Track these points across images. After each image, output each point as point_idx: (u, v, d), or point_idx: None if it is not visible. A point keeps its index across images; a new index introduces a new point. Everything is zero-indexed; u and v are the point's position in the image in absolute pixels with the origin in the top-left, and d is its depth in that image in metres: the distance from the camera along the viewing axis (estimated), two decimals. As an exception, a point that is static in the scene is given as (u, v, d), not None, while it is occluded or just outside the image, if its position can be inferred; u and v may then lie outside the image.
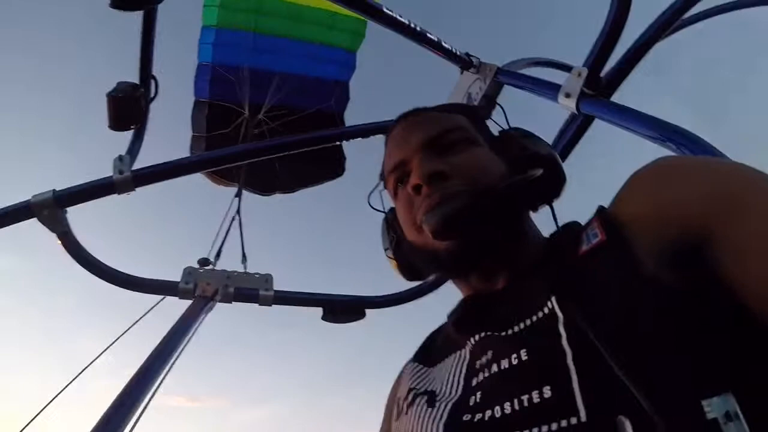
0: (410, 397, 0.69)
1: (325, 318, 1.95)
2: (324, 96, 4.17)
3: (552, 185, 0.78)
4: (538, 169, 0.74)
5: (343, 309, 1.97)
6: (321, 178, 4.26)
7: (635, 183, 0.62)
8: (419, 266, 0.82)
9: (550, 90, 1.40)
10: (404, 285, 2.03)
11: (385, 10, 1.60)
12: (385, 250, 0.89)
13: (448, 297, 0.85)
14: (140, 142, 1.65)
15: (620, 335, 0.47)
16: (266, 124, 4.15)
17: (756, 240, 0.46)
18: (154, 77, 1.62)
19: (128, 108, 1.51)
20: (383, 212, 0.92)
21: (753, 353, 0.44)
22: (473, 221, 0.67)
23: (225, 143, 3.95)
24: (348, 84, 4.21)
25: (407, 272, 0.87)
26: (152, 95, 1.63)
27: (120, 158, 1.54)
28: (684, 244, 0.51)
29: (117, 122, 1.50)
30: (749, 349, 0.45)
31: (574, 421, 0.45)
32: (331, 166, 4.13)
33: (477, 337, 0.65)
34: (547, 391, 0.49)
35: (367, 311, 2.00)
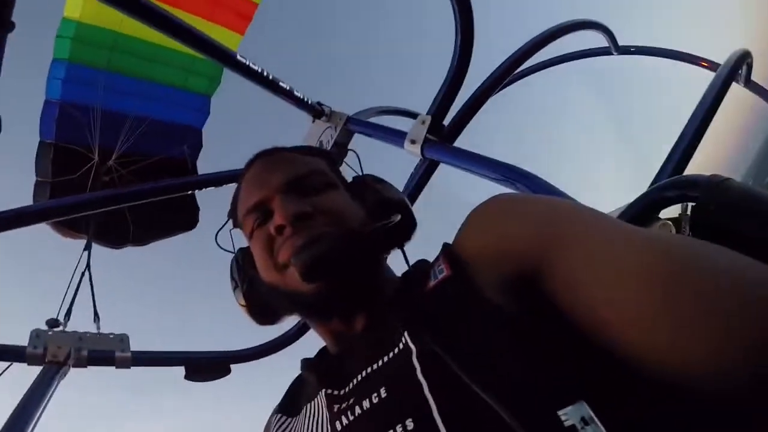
0: None
1: (188, 377, 1.90)
2: (177, 142, 4.03)
3: (404, 230, 0.84)
4: (397, 215, 0.79)
5: (206, 367, 1.94)
6: (174, 230, 4.05)
7: (473, 220, 0.66)
8: (276, 307, 0.81)
9: (398, 137, 1.56)
10: (269, 335, 2.05)
11: (239, 57, 1.68)
12: (234, 290, 0.86)
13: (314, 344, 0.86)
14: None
15: (474, 358, 0.49)
16: (117, 171, 3.89)
17: (578, 272, 0.50)
18: (-5, 114, 1.50)
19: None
20: (232, 252, 0.90)
21: (599, 364, 0.47)
22: (341, 264, 0.69)
23: (72, 191, 3.61)
24: (201, 131, 4.12)
25: (259, 314, 0.85)
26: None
27: (-49, 209, 1.38)
28: (518, 276, 0.55)
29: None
30: (595, 360, 0.48)
31: None
32: (185, 217, 3.95)
33: (339, 382, 0.66)
34: (409, 424, 0.50)
35: (233, 366, 1.98)
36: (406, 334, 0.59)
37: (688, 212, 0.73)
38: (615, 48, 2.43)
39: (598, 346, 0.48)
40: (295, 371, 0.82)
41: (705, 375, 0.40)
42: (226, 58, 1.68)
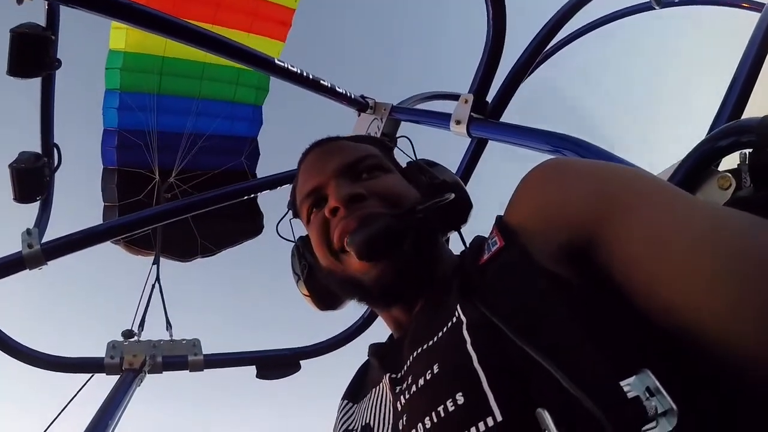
0: None
1: (259, 375, 1.98)
2: (234, 153, 4.23)
3: (459, 211, 0.85)
4: (451, 193, 0.79)
5: (277, 364, 2.01)
6: (240, 237, 4.25)
7: (523, 188, 0.64)
8: (337, 293, 0.83)
9: (443, 120, 1.57)
10: (337, 329, 2.11)
11: (277, 62, 1.74)
12: (297, 280, 0.89)
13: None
14: (48, 213, 1.65)
15: (530, 326, 0.48)
16: (178, 187, 4.13)
17: (635, 246, 0.48)
18: (56, 145, 1.65)
19: (32, 179, 1.52)
20: (293, 241, 0.93)
21: (660, 333, 0.46)
22: (397, 242, 0.69)
23: (138, 209, 3.89)
24: (257, 139, 4.30)
25: (321, 301, 0.88)
26: (56, 164, 1.65)
27: (28, 232, 1.54)
28: (572, 245, 0.53)
29: (22, 194, 1.51)
30: (655, 329, 0.46)
31: (490, 422, 0.46)
32: (249, 224, 4.14)
33: (398, 362, 0.67)
34: (460, 398, 0.50)
35: (303, 362, 2.05)
36: (458, 306, 0.59)
37: (747, 161, 0.69)
38: (657, 2, 2.30)
39: (657, 323, 0.46)
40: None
41: None
42: (265, 64, 1.75)
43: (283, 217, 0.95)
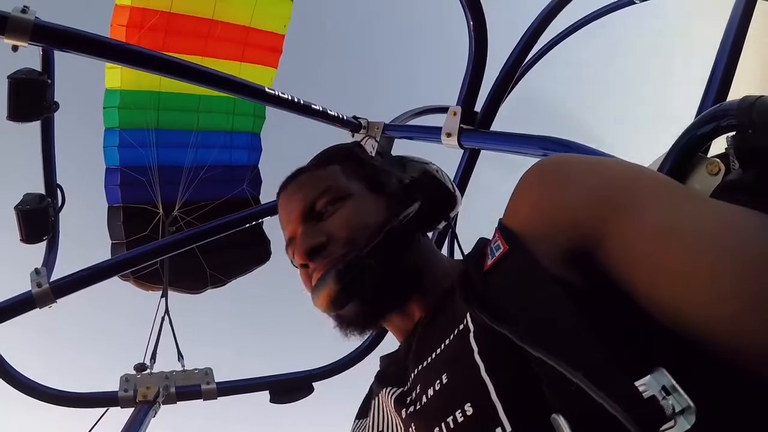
0: None
1: (273, 400, 1.97)
2: (236, 182, 4.27)
3: (437, 205, 0.84)
4: (414, 203, 0.79)
5: (289, 388, 2.01)
6: (249, 266, 4.28)
7: (522, 189, 0.62)
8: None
9: (434, 134, 1.59)
10: (348, 348, 2.10)
11: (267, 90, 1.77)
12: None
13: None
14: (55, 252, 1.67)
15: (538, 331, 0.47)
16: (182, 220, 4.16)
17: (638, 246, 0.47)
18: (59, 185, 1.68)
19: (38, 219, 1.54)
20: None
21: (670, 332, 0.45)
22: (354, 286, 0.70)
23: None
24: (257, 167, 4.34)
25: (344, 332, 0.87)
26: (60, 204, 1.67)
27: (36, 271, 1.56)
28: (575, 247, 0.53)
29: (29, 235, 1.53)
30: (665, 329, 0.45)
31: None
32: (257, 252, 4.17)
33: (405, 372, 0.68)
34: (468, 409, 0.49)
35: (316, 384, 2.04)
36: (468, 314, 0.58)
37: (733, 145, 0.67)
38: None
39: (663, 323, 0.45)
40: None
41: None
42: (256, 93, 1.78)
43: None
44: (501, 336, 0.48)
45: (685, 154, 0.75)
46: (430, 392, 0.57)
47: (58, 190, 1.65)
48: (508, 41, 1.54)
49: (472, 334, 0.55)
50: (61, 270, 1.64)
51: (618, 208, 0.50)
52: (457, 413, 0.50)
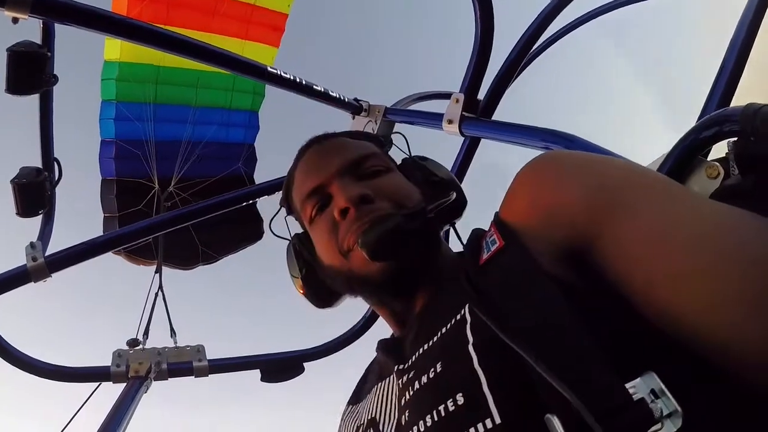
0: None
1: (264, 379, 2.00)
2: (232, 160, 4.26)
3: (456, 208, 0.85)
4: (452, 192, 0.80)
5: (280, 367, 2.03)
6: (241, 243, 4.28)
7: (518, 184, 0.63)
8: (337, 290, 0.84)
9: (435, 120, 1.59)
10: (339, 330, 2.13)
11: (270, 69, 1.76)
12: (294, 277, 0.89)
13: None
14: (50, 227, 1.67)
15: (531, 330, 0.47)
16: (178, 196, 4.15)
17: (634, 245, 0.48)
18: (56, 159, 1.67)
19: (34, 193, 1.54)
20: (287, 239, 0.91)
21: (662, 334, 0.45)
22: (407, 244, 0.70)
23: (138, 219, 3.91)
24: (254, 145, 4.33)
25: (320, 299, 0.88)
26: (57, 178, 1.67)
27: (32, 245, 1.56)
28: (571, 244, 0.53)
29: (25, 209, 1.52)
30: (658, 330, 0.46)
31: (489, 424, 0.47)
32: (250, 230, 4.15)
33: (401, 358, 0.68)
34: (459, 398, 0.50)
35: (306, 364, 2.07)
36: (466, 307, 0.59)
37: (733, 150, 0.69)
38: None
39: (658, 324, 0.46)
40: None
41: None
42: (258, 72, 1.76)
43: (276, 214, 0.94)
44: (494, 331, 0.49)
45: (686, 156, 0.77)
46: (424, 379, 0.58)
47: (56, 163, 1.64)
48: (515, 29, 1.54)
49: (468, 325, 0.56)
50: (57, 244, 1.65)
51: (614, 206, 0.50)
52: (448, 402, 0.51)
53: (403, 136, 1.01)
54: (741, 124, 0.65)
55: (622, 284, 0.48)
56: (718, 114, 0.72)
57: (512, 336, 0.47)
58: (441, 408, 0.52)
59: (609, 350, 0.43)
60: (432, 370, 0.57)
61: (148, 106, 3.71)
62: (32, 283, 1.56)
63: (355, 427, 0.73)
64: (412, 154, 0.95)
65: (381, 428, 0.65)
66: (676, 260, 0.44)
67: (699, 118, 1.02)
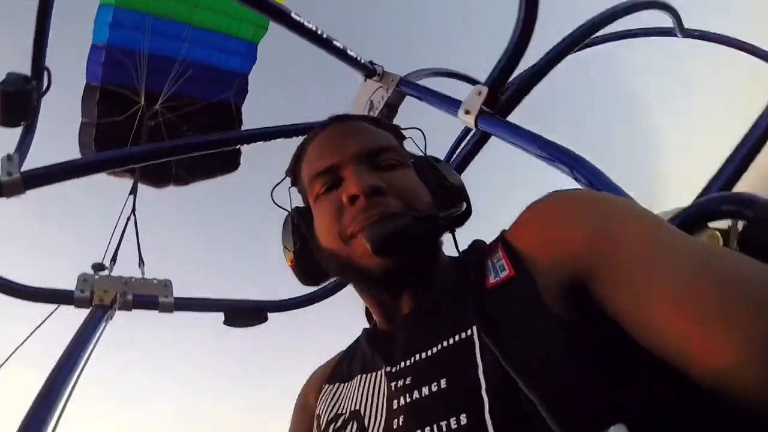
0: (339, 423, 0.71)
1: (227, 322, 2.02)
2: (223, 87, 4.12)
3: (462, 217, 0.85)
4: (463, 203, 0.81)
5: (245, 313, 2.05)
6: (216, 172, 4.21)
7: (531, 217, 0.68)
8: (329, 271, 0.83)
9: (451, 105, 1.56)
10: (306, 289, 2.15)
11: (293, 15, 1.68)
12: (287, 249, 0.87)
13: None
14: (30, 140, 1.59)
15: (529, 363, 0.51)
16: (162, 115, 4.01)
17: (626, 281, 0.51)
18: (47, 69, 1.58)
19: (19, 102, 1.46)
20: (286, 210, 0.90)
21: (645, 385, 0.50)
22: (412, 243, 0.70)
23: (117, 132, 3.78)
24: (247, 77, 4.19)
25: (307, 275, 0.87)
26: (44, 88, 1.59)
27: (8, 157, 1.48)
28: (573, 281, 0.56)
29: (6, 118, 1.45)
30: (641, 380, 0.50)
31: None
32: (226, 160, 4.09)
33: (393, 358, 0.69)
34: (463, 419, 0.53)
35: (270, 315, 2.09)
36: (474, 328, 0.60)
37: (739, 227, 0.75)
38: (680, 30, 2.31)
39: (645, 359, 0.49)
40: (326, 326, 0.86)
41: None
42: (280, 15, 1.68)
43: (280, 182, 0.93)
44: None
45: (695, 219, 0.80)
46: (426, 390, 0.60)
47: (45, 73, 1.56)
48: (553, 33, 1.50)
49: (477, 349, 0.58)
50: (34, 160, 1.58)
51: (611, 244, 0.54)
52: (451, 420, 0.54)
53: (422, 133, 0.98)
54: (759, 213, 0.69)
55: (613, 317, 0.52)
56: (743, 195, 0.74)
57: (515, 367, 0.51)
58: (443, 424, 0.54)
59: (595, 393, 0.48)
60: (435, 384, 0.59)
61: (147, 16, 3.52)
62: (4, 198, 1.48)
63: (334, 413, 0.74)
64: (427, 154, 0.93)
65: (366, 424, 0.66)
66: (671, 296, 0.47)
67: (705, 189, 1.04)
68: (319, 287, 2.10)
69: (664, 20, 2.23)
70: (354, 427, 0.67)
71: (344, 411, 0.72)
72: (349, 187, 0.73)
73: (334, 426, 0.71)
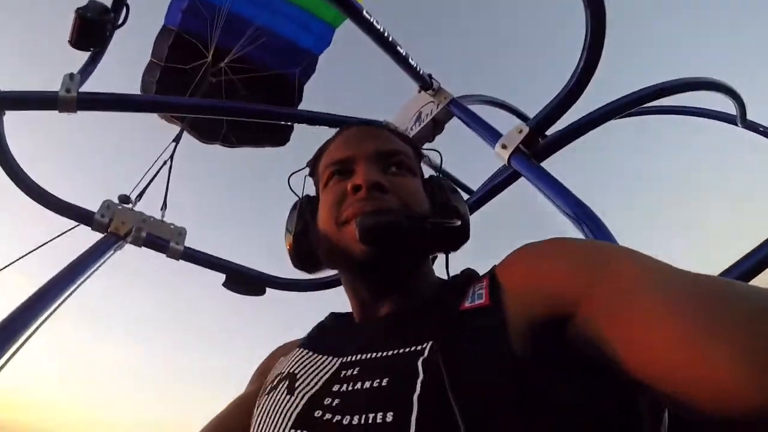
0: (276, 381, 0.75)
1: (226, 285, 2.08)
2: (293, 62, 4.18)
3: (455, 239, 0.88)
4: (457, 220, 0.85)
5: (245, 281, 2.11)
6: (264, 142, 4.26)
7: (522, 253, 0.70)
8: (321, 258, 0.87)
9: (491, 136, 1.59)
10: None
11: (365, 13, 1.73)
12: (288, 231, 0.93)
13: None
14: (94, 66, 1.69)
15: (473, 395, 0.52)
16: (226, 74, 4.12)
17: (613, 313, 0.52)
18: (127, 4, 1.67)
19: (94, 29, 1.55)
20: (298, 196, 0.96)
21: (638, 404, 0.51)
22: (397, 239, 0.75)
23: (179, 80, 3.91)
24: (317, 57, 4.24)
25: (300, 260, 0.92)
26: (120, 22, 1.67)
27: (70, 76, 1.58)
28: (551, 315, 0.58)
29: (79, 41, 1.54)
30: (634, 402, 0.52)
31: None
32: (277, 133, 4.14)
33: (352, 349, 0.72)
34: (389, 416, 0.55)
35: (267, 290, 2.14)
36: (430, 343, 0.62)
37: None
38: (742, 120, 2.24)
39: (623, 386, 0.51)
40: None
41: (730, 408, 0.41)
42: (353, 11, 1.73)
43: (300, 170, 0.99)
44: (443, 377, 0.55)
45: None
46: (367, 384, 0.62)
47: (125, 8, 1.64)
48: (608, 90, 1.50)
49: (422, 360, 0.60)
50: (92, 85, 1.66)
51: (593, 277, 0.56)
52: (379, 414, 0.56)
53: (440, 154, 1.05)
54: None
55: (605, 348, 0.52)
56: None
57: (455, 391, 0.52)
58: (371, 416, 0.57)
59: (528, 425, 0.50)
60: (377, 380, 0.62)
61: (237, -25, 3.63)
62: (56, 111, 1.58)
63: (277, 373, 0.78)
64: (442, 177, 0.98)
65: (296, 385, 0.70)
66: (654, 326, 0.47)
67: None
68: (318, 278, 2.16)
69: (727, 104, 2.18)
70: (284, 386, 0.71)
71: (284, 371, 0.76)
72: (356, 178, 0.81)
73: (272, 384, 0.75)
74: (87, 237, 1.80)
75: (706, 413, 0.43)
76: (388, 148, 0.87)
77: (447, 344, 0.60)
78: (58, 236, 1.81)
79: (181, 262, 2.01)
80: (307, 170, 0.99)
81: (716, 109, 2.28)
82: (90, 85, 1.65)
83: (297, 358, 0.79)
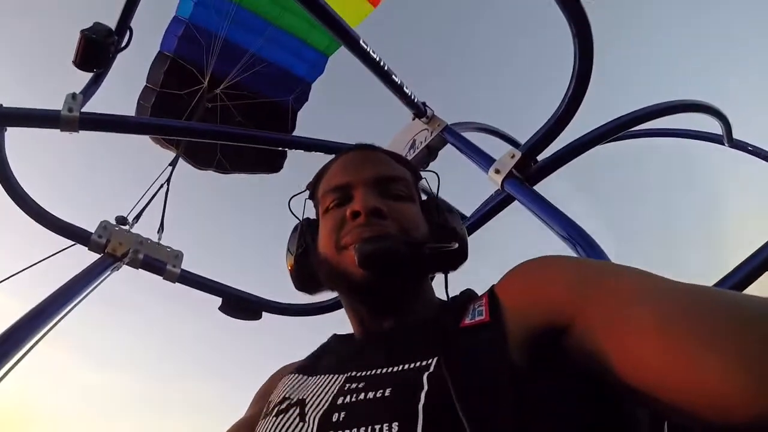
0: (284, 405, 0.74)
1: (222, 309, 2.07)
2: (287, 89, 4.28)
3: (454, 260, 0.92)
4: (455, 243, 0.87)
5: (241, 306, 2.10)
6: (257, 169, 4.33)
7: (520, 271, 0.72)
8: (321, 280, 0.89)
9: (484, 161, 1.63)
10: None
11: (361, 42, 1.78)
12: (289, 253, 0.95)
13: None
14: (97, 87, 1.73)
15: (476, 405, 0.54)
16: (221, 100, 4.18)
17: (597, 320, 0.55)
18: (130, 28, 1.71)
19: (98, 51, 1.59)
20: (298, 219, 0.98)
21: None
22: (395, 265, 0.77)
23: (174, 104, 3.97)
24: (311, 85, 4.34)
25: (301, 282, 0.94)
26: (124, 45, 1.71)
27: (73, 96, 1.61)
28: (548, 326, 0.60)
29: (83, 61, 1.57)
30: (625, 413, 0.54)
31: None
32: (270, 160, 4.21)
33: (356, 366, 0.73)
34: (395, 427, 0.56)
35: (264, 315, 2.13)
36: (435, 359, 0.63)
37: None
38: (728, 140, 2.30)
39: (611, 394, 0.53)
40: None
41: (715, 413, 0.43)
42: (349, 40, 1.78)
43: (299, 193, 1.01)
44: (449, 391, 0.56)
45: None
46: (371, 395, 0.63)
47: (128, 31, 1.68)
48: (597, 114, 1.55)
49: (427, 374, 0.61)
50: (94, 105, 1.69)
51: (587, 290, 0.58)
52: (385, 425, 0.57)
53: (437, 176, 1.06)
54: None
55: (601, 358, 0.53)
56: None
57: (461, 400, 0.54)
58: (377, 427, 0.57)
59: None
60: (381, 391, 0.63)
61: (231, 3, 3.72)
62: (58, 130, 1.60)
63: (284, 397, 0.77)
64: (439, 198, 0.99)
65: (305, 410, 0.69)
66: (650, 338, 0.49)
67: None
68: (316, 302, 2.16)
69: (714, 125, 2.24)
70: (295, 413, 0.71)
71: (293, 397, 0.76)
72: (355, 204, 0.82)
73: (279, 408, 0.75)
74: (85, 258, 1.80)
75: (702, 421, 0.45)
76: (386, 173, 0.89)
77: (450, 358, 0.62)
78: (52, 255, 1.81)
79: (178, 285, 2.01)
80: (307, 193, 1.00)
81: (704, 130, 2.34)
82: (90, 107, 1.68)
83: (303, 384, 0.79)
